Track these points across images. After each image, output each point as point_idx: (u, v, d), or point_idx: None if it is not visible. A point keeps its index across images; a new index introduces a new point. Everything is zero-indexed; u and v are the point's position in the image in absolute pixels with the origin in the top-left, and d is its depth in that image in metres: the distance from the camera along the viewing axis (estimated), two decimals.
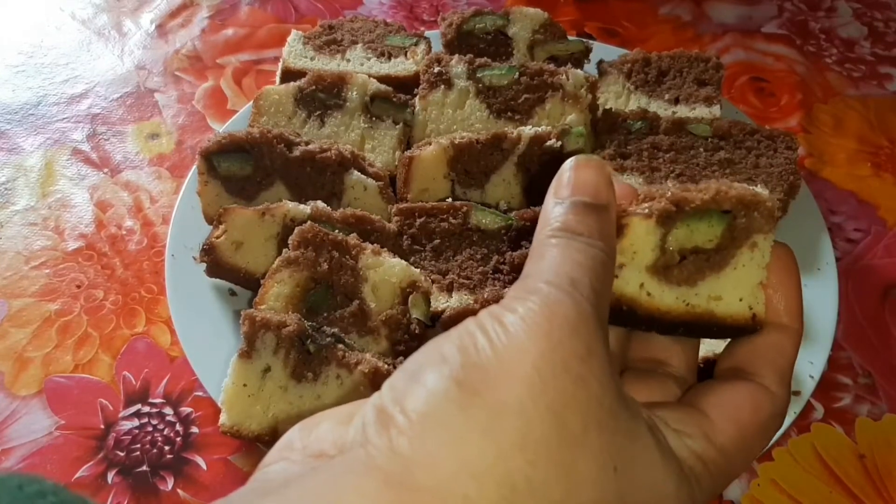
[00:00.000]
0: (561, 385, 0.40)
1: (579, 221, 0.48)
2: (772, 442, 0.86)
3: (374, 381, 0.79)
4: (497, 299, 0.85)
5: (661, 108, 1.14)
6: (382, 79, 1.10)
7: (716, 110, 1.13)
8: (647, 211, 0.57)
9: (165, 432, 0.94)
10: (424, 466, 0.38)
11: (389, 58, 1.17)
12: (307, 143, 0.98)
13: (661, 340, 0.60)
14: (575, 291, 0.43)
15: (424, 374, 0.41)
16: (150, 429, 0.94)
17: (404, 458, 0.38)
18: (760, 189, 0.59)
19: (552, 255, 0.46)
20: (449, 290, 0.93)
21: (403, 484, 0.38)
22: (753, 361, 0.53)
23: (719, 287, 0.58)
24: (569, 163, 0.52)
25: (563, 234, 0.47)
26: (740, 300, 0.58)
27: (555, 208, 0.49)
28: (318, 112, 1.06)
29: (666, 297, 0.58)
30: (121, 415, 0.95)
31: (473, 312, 0.88)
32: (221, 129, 1.19)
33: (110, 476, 0.90)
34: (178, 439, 0.93)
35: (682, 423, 0.48)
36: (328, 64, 1.15)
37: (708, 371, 0.61)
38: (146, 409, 0.96)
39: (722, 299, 0.58)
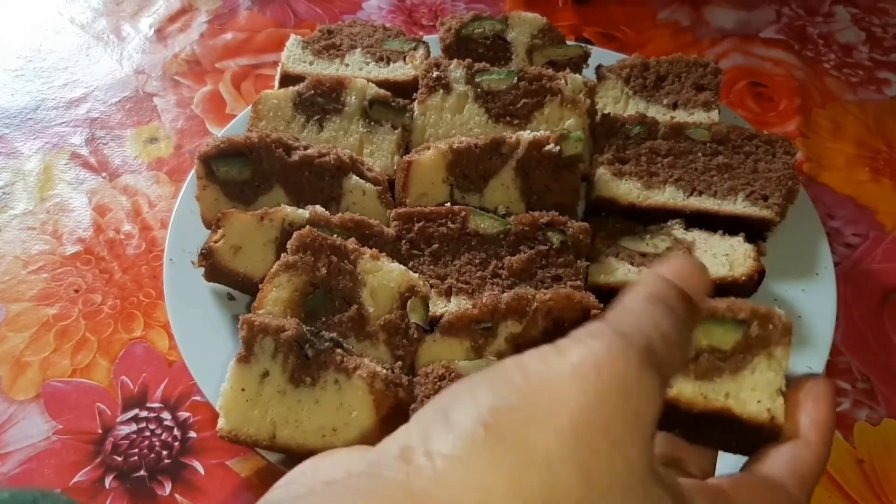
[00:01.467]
0: (597, 445, 0.38)
1: (679, 304, 0.47)
2: None
3: (373, 385, 0.79)
4: (496, 301, 0.86)
5: (659, 113, 1.14)
6: (381, 83, 1.10)
7: (714, 115, 1.13)
8: None
9: (163, 437, 0.94)
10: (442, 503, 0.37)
11: (388, 62, 1.17)
12: (306, 148, 0.98)
13: (680, 441, 0.62)
14: (648, 356, 0.41)
15: (453, 413, 0.40)
16: (147, 433, 0.94)
17: (420, 495, 0.37)
18: (777, 310, 0.66)
19: (641, 313, 0.45)
20: (448, 294, 0.93)
21: None
22: (778, 465, 0.53)
23: (736, 387, 0.65)
24: (679, 258, 0.53)
25: (660, 302, 0.46)
26: (758, 402, 0.64)
27: (656, 278, 0.48)
28: (317, 116, 1.06)
29: (685, 388, 0.65)
30: (118, 419, 0.95)
31: (472, 317, 0.87)
32: (220, 133, 1.19)
33: (108, 481, 0.90)
34: (176, 444, 0.93)
35: (707, 499, 0.47)
36: (327, 68, 1.16)
37: None
38: (144, 413, 0.96)
39: (739, 398, 0.64)
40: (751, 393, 0.65)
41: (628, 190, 1.04)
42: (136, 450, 0.92)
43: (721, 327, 0.66)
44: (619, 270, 0.97)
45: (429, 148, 1.00)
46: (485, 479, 0.37)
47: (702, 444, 0.68)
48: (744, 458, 0.62)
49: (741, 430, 0.66)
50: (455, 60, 1.07)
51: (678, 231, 1.00)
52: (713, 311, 0.66)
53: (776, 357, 0.65)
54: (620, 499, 0.38)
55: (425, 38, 1.23)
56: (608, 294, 0.93)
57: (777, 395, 0.64)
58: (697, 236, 0.99)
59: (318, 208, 0.93)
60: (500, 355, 0.87)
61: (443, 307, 0.92)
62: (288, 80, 1.13)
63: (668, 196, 1.04)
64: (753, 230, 1.01)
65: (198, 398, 0.96)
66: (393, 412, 0.80)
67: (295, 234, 0.86)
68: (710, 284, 0.51)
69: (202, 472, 0.91)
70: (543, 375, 0.40)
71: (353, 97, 1.06)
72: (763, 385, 0.65)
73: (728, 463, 0.63)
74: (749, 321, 0.67)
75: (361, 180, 0.98)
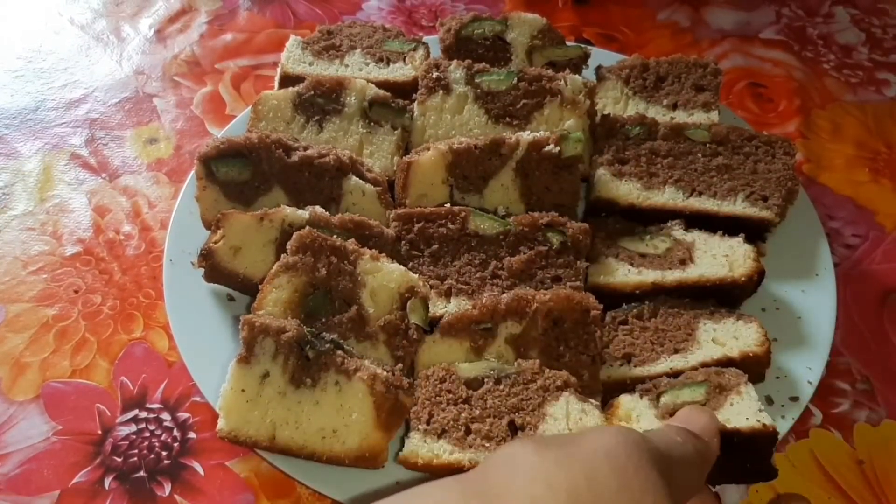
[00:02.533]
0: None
1: (697, 440, 0.61)
2: None
3: (373, 388, 0.78)
4: (496, 302, 0.86)
5: (659, 114, 1.14)
6: (381, 84, 1.10)
7: (714, 116, 1.13)
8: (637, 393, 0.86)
9: (163, 437, 0.94)
10: None
11: (388, 63, 1.17)
12: (305, 149, 0.98)
13: None
14: (656, 454, 0.53)
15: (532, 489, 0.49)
16: (147, 434, 0.94)
17: None
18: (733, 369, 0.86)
19: (662, 433, 0.59)
20: (447, 295, 0.93)
21: None
22: None
23: (724, 417, 0.79)
24: (689, 408, 0.73)
25: (676, 430, 0.61)
26: (746, 419, 0.79)
27: (668, 427, 0.63)
28: (317, 117, 1.06)
29: None
30: (118, 420, 0.95)
31: (471, 317, 0.90)
32: (220, 133, 1.19)
33: (107, 481, 0.90)
34: (176, 444, 0.93)
35: None
36: (327, 69, 1.15)
37: None
38: (144, 414, 0.96)
39: (731, 422, 0.79)
40: (738, 416, 0.80)
41: (628, 190, 1.04)
42: (136, 450, 0.92)
43: (687, 389, 0.84)
44: (619, 271, 0.97)
45: (428, 149, 1.00)
46: None
47: (710, 481, 0.78)
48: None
49: (741, 445, 0.78)
50: (455, 61, 1.07)
51: (678, 232, 1.00)
52: (675, 383, 0.85)
53: (744, 392, 0.82)
54: None
55: (425, 38, 1.23)
56: (608, 294, 0.94)
57: (759, 410, 0.80)
58: (697, 237, 0.99)
59: (318, 209, 0.93)
60: (500, 356, 0.87)
61: (442, 308, 0.92)
62: (288, 80, 1.13)
63: (667, 197, 1.04)
64: (753, 231, 1.01)
65: (197, 399, 0.96)
66: (393, 414, 0.80)
67: (295, 235, 0.86)
68: (716, 423, 0.70)
69: (202, 472, 0.91)
70: (564, 463, 0.50)
71: (353, 98, 1.06)
72: (745, 409, 0.80)
73: None
74: (707, 379, 0.84)
75: (361, 181, 0.98)
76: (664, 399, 0.84)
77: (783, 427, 0.88)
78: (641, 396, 0.85)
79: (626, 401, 0.84)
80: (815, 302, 1.00)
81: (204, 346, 0.93)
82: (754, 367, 0.88)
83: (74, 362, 1.00)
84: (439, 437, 0.81)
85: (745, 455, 0.79)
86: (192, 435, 0.94)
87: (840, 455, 0.93)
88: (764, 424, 0.79)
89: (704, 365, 0.88)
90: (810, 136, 1.31)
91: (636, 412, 0.83)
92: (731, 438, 0.78)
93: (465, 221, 0.96)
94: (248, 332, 0.79)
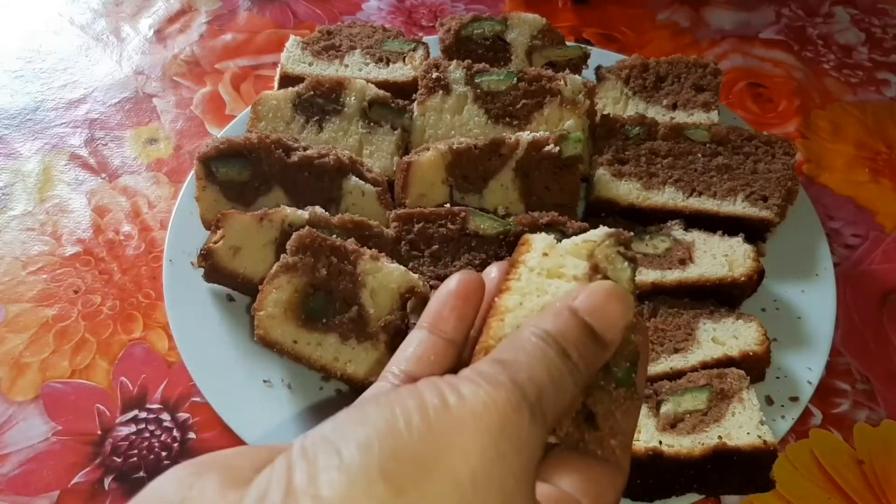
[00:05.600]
0: (491, 501, 0.39)
1: (577, 344, 0.46)
2: None
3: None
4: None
5: (659, 114, 1.14)
6: (381, 84, 1.10)
7: (714, 116, 1.13)
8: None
9: (163, 438, 0.93)
10: None
11: (388, 63, 1.17)
12: (305, 149, 0.98)
13: None
14: (538, 408, 0.42)
15: (347, 453, 0.38)
16: (147, 434, 0.94)
17: None
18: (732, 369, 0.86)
19: (535, 358, 0.44)
20: None
21: None
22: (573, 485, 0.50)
23: (725, 430, 0.80)
24: (604, 286, 0.49)
25: (556, 345, 0.46)
26: (748, 434, 0.79)
27: (563, 311, 0.47)
28: (317, 117, 1.06)
29: (683, 444, 0.80)
30: (118, 420, 0.95)
31: None
32: (220, 134, 1.19)
33: (107, 482, 0.90)
34: (176, 445, 0.93)
35: None
36: (326, 69, 1.15)
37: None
38: (143, 414, 0.96)
39: (731, 436, 0.79)
40: (738, 430, 0.80)
41: (628, 191, 1.04)
42: (136, 451, 0.92)
43: (689, 395, 0.83)
44: None
45: (428, 149, 1.00)
46: None
47: (709, 493, 0.82)
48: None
49: (741, 461, 0.78)
50: (455, 61, 1.07)
51: (678, 232, 1.00)
52: (676, 387, 0.84)
53: (746, 399, 0.82)
54: None
55: (425, 38, 1.23)
56: None
57: (761, 424, 0.80)
58: (697, 237, 0.99)
59: (318, 209, 0.93)
60: None
61: None
62: (287, 80, 1.13)
63: (667, 197, 1.04)
64: (753, 231, 1.01)
65: (197, 399, 0.96)
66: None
67: (294, 235, 0.86)
68: (630, 316, 0.49)
69: None
70: (444, 423, 0.39)
71: (353, 98, 1.06)
72: (745, 421, 0.80)
73: None
74: (710, 383, 0.84)
75: (361, 181, 0.98)
76: (665, 409, 0.83)
77: (783, 427, 0.89)
78: None
79: None
80: (814, 302, 1.00)
81: (204, 347, 0.93)
82: (754, 366, 0.89)
83: (74, 362, 1.00)
84: None
85: (743, 470, 0.80)
86: (191, 435, 0.94)
87: (840, 455, 0.93)
88: (765, 441, 0.79)
89: (704, 364, 0.88)
90: (810, 136, 1.31)
91: None
92: (731, 456, 0.78)
93: (464, 222, 0.96)
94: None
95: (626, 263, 0.51)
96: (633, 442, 0.80)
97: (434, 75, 1.06)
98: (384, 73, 1.15)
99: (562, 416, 0.47)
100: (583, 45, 1.20)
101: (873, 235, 1.17)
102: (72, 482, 0.90)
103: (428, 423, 0.39)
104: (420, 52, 1.18)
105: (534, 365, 0.44)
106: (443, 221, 0.96)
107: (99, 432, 0.94)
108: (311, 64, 1.16)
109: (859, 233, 1.17)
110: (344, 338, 0.85)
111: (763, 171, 1.05)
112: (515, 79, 1.05)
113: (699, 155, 1.06)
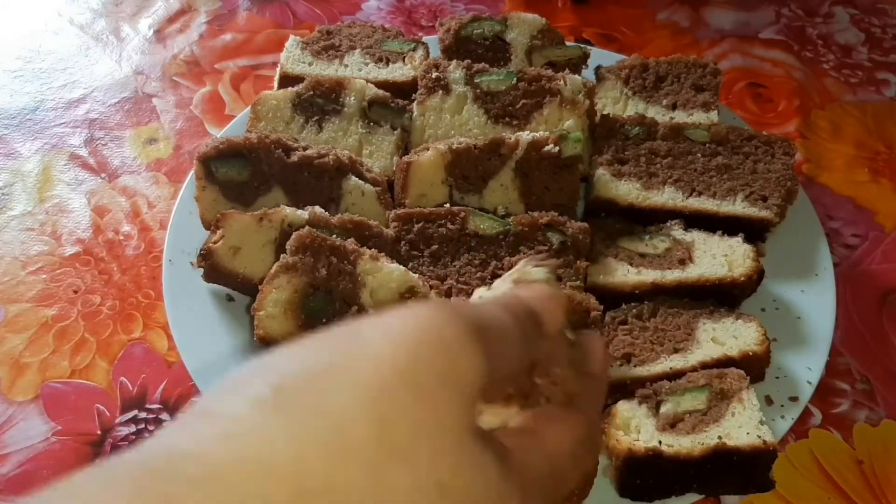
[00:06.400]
0: (400, 398, 0.35)
1: (527, 320, 0.46)
2: None
3: None
4: None
5: (658, 114, 1.14)
6: (380, 84, 1.10)
7: (713, 116, 1.13)
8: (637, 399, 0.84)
9: None
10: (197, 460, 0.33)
11: (387, 63, 1.17)
12: (305, 149, 0.98)
13: None
14: (477, 327, 0.39)
15: (249, 382, 0.36)
16: (146, 435, 0.94)
17: (195, 455, 0.33)
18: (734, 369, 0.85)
19: (481, 304, 0.46)
20: (447, 295, 0.93)
21: (169, 477, 0.32)
22: None
23: (724, 430, 0.80)
24: (547, 289, 0.50)
25: (509, 309, 0.44)
26: (747, 434, 0.79)
27: (518, 299, 0.47)
28: (316, 117, 1.06)
29: (683, 444, 0.79)
30: (117, 420, 0.95)
31: None
32: (219, 134, 1.19)
33: None
34: None
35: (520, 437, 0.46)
36: (326, 69, 1.15)
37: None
38: (143, 414, 0.96)
39: (731, 436, 0.79)
40: (738, 430, 0.80)
41: (627, 191, 1.04)
42: None
43: (688, 395, 0.83)
44: (619, 271, 0.97)
45: (428, 149, 1.00)
46: (266, 432, 0.33)
47: (709, 493, 0.82)
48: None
49: (741, 461, 0.78)
50: (454, 61, 1.07)
51: (677, 232, 1.00)
52: (676, 387, 0.85)
53: (745, 399, 0.82)
54: (428, 454, 0.36)
55: (424, 38, 1.23)
56: (607, 294, 0.94)
57: (760, 424, 0.80)
58: (696, 237, 0.99)
59: (318, 209, 0.93)
60: None
61: None
62: (287, 80, 1.13)
63: (667, 197, 1.04)
64: (753, 231, 1.01)
65: (197, 399, 0.96)
66: None
67: (294, 235, 0.86)
68: (565, 317, 0.49)
69: None
70: (355, 338, 0.37)
71: (353, 98, 1.06)
72: (745, 421, 0.80)
73: None
74: (710, 383, 0.84)
75: (361, 181, 0.98)
76: (664, 409, 0.83)
77: (783, 427, 0.89)
78: (640, 403, 0.85)
79: (624, 408, 0.84)
80: (814, 302, 1.00)
81: (203, 347, 0.93)
82: (754, 366, 0.89)
83: (74, 362, 1.00)
84: None
85: (743, 470, 0.80)
86: None
87: (840, 455, 0.93)
88: (764, 441, 0.79)
89: (704, 364, 0.88)
90: (810, 136, 1.31)
91: (635, 420, 0.83)
92: (730, 456, 0.78)
93: (464, 221, 0.96)
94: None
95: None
96: (633, 442, 0.80)
97: (434, 75, 1.06)
98: (384, 73, 1.15)
99: (513, 377, 0.45)
100: (582, 45, 1.20)
101: (873, 235, 1.17)
102: None
103: (336, 343, 0.37)
104: (420, 52, 1.18)
105: (481, 308, 0.43)
106: (442, 221, 0.96)
107: (99, 432, 0.94)
108: (310, 64, 1.16)
109: (859, 233, 1.17)
110: None
111: (763, 171, 1.05)
112: (515, 79, 1.05)
113: (699, 155, 1.06)
